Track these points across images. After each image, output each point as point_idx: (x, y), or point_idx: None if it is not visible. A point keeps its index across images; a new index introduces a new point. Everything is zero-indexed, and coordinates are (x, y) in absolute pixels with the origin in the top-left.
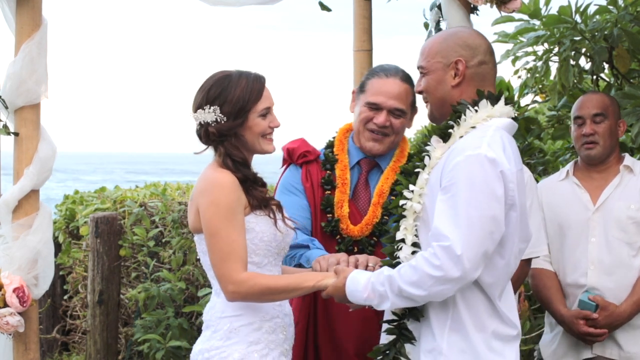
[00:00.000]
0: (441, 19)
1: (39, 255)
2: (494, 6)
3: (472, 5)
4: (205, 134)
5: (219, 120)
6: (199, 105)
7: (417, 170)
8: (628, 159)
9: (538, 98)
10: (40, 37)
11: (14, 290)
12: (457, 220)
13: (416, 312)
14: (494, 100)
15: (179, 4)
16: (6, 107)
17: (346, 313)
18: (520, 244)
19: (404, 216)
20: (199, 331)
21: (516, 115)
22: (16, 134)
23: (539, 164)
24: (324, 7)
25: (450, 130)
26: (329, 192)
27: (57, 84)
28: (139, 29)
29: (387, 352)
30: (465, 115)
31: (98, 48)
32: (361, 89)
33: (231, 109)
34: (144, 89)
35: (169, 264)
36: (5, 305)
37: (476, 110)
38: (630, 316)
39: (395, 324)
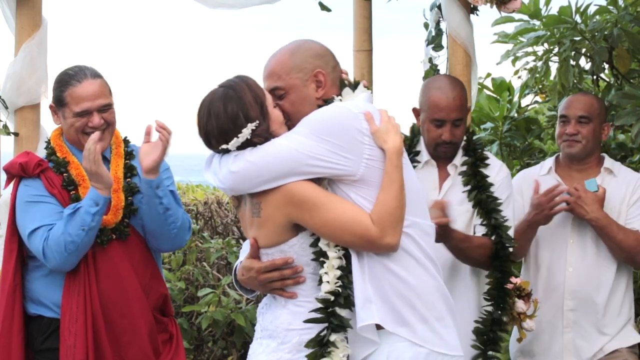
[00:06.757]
0: (441, 19)
1: None
2: (494, 6)
3: (472, 5)
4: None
5: (254, 127)
6: (227, 133)
7: None
8: (608, 161)
9: (538, 98)
10: (40, 37)
11: None
12: None
13: (347, 301)
14: (353, 87)
15: (179, 4)
16: (6, 107)
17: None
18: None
19: None
20: (199, 331)
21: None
22: (16, 134)
23: (539, 163)
24: (323, 7)
25: None
26: (74, 191)
27: None
28: (138, 29)
29: (321, 340)
30: None
31: (98, 48)
32: (60, 104)
33: (256, 112)
34: (142, 89)
35: (169, 264)
36: None
37: (340, 100)
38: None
39: (324, 311)
